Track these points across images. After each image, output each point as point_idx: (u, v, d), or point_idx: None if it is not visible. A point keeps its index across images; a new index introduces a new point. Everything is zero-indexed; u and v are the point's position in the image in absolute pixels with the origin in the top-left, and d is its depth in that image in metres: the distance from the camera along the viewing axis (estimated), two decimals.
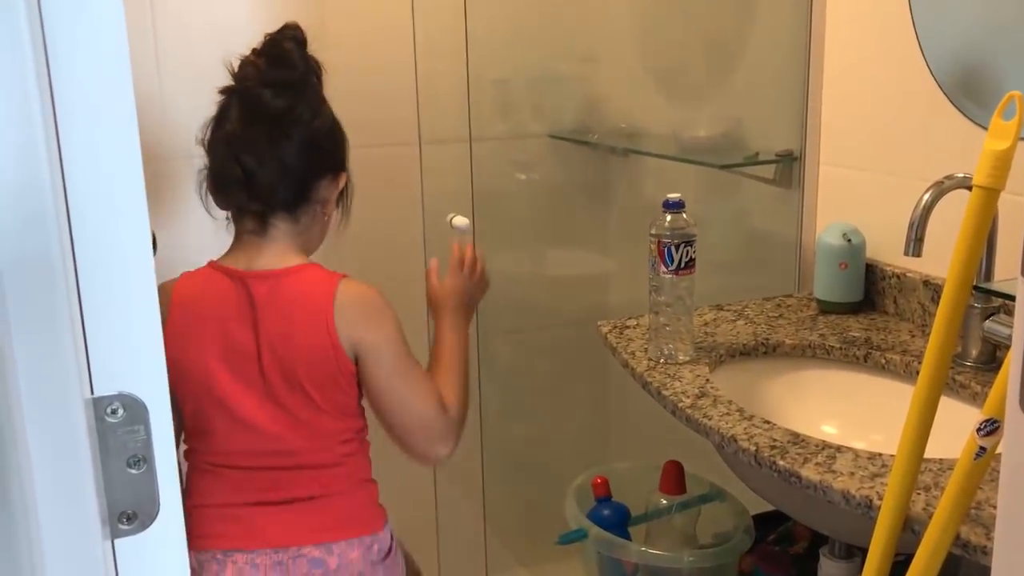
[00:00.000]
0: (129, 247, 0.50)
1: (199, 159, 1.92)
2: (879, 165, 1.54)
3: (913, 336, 1.42)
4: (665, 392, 1.25)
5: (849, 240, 1.51)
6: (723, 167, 1.78)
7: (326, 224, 1.37)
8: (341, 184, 1.37)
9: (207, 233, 1.96)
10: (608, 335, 1.49)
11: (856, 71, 1.57)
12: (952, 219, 0.96)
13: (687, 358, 1.36)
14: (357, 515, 1.35)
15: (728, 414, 1.17)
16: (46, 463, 0.45)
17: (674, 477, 1.52)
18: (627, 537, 1.51)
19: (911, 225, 1.18)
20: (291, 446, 1.28)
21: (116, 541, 0.51)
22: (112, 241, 0.49)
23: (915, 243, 1.19)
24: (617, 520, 1.53)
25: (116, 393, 0.49)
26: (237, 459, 1.29)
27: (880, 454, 1.05)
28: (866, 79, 1.54)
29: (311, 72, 1.34)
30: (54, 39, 0.43)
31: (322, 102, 1.36)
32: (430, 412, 1.30)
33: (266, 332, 1.25)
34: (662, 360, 1.36)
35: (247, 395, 1.26)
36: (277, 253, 1.30)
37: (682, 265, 1.33)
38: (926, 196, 1.18)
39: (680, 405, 1.21)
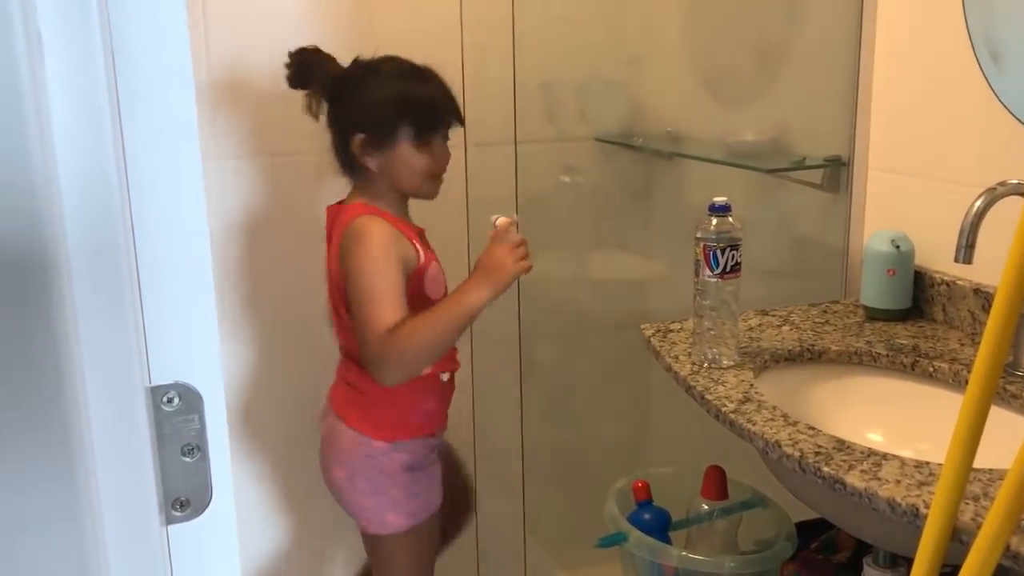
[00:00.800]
0: (188, 240, 0.51)
1: (247, 159, 1.95)
2: (929, 170, 1.52)
3: (962, 345, 1.40)
4: (709, 397, 1.25)
5: (898, 247, 1.50)
6: (770, 172, 1.77)
7: (384, 168, 1.57)
8: (358, 142, 1.56)
9: (260, 230, 1.99)
10: (651, 338, 1.48)
11: (907, 74, 1.55)
12: (1005, 226, 0.95)
13: (731, 363, 1.35)
14: (360, 413, 1.61)
15: (772, 419, 1.16)
16: (108, 450, 0.46)
17: (716, 482, 1.51)
18: (667, 542, 1.51)
19: (962, 232, 1.16)
20: (341, 343, 1.66)
21: (169, 527, 0.52)
22: (171, 234, 0.51)
23: (966, 250, 1.17)
24: (658, 524, 1.52)
25: (172, 382, 0.51)
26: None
27: (927, 463, 1.03)
28: (917, 82, 1.53)
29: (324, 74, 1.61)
30: (122, 42, 0.44)
31: (342, 90, 1.60)
32: (367, 336, 1.46)
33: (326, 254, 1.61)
34: (706, 364, 1.35)
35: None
36: (349, 194, 1.63)
37: (727, 269, 1.33)
38: (978, 202, 1.16)
39: (724, 410, 1.20)
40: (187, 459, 0.52)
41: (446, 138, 1.61)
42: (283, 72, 1.73)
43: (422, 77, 1.59)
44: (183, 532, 0.52)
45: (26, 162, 0.39)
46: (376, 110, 1.56)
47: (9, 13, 0.36)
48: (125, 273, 0.47)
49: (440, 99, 1.58)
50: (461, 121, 1.62)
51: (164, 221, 0.50)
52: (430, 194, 1.62)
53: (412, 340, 1.45)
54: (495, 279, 1.50)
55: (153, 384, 0.50)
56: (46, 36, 0.39)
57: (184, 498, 0.52)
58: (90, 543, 0.44)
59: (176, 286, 0.51)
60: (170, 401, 0.51)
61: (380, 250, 1.48)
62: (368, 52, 1.80)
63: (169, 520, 0.52)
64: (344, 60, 1.94)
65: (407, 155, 1.55)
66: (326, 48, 1.88)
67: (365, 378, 1.54)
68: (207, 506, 0.53)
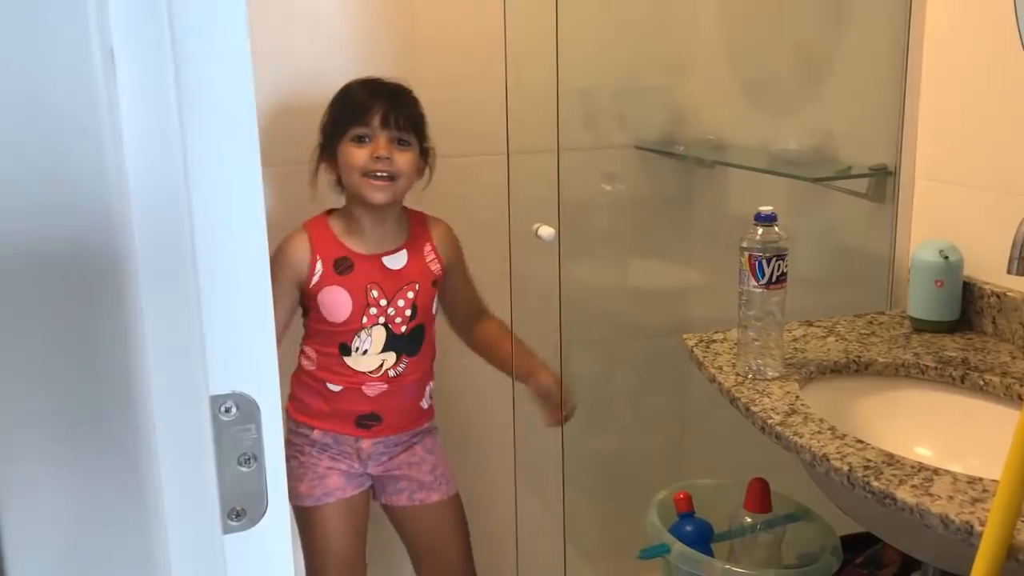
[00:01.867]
0: (245, 250, 0.52)
1: (287, 166, 1.97)
2: (979, 180, 1.50)
3: (1014, 358, 1.37)
4: (754, 408, 1.24)
5: (946, 257, 1.47)
6: (815, 181, 1.75)
7: (339, 175, 1.72)
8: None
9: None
10: (694, 349, 1.47)
11: (955, 81, 1.53)
12: None
13: (776, 374, 1.34)
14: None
15: (819, 432, 1.15)
16: (172, 458, 0.46)
17: (759, 495, 1.49)
18: (710, 554, 1.49)
19: (1015, 243, 1.14)
20: None
21: (225, 537, 0.53)
22: (230, 244, 0.51)
23: (1018, 261, 1.15)
24: (700, 536, 1.51)
25: (230, 392, 0.51)
26: None
27: (980, 478, 1.01)
28: (966, 90, 1.50)
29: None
30: (185, 51, 0.45)
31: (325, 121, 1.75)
32: None
33: None
34: (750, 375, 1.34)
35: None
36: None
37: (773, 279, 1.31)
38: None
39: (770, 422, 1.19)
40: (244, 468, 0.52)
41: (375, 134, 1.66)
42: (328, 80, 1.79)
43: (365, 83, 1.72)
44: (238, 542, 0.53)
45: (101, 171, 0.39)
46: (322, 121, 1.73)
47: (87, 31, 0.36)
48: (189, 281, 0.47)
49: (362, 94, 1.69)
50: (387, 122, 1.66)
51: (223, 231, 0.50)
52: (363, 194, 1.67)
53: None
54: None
55: (212, 394, 0.50)
56: (119, 52, 0.40)
57: (240, 507, 0.52)
58: (155, 550, 0.44)
59: (234, 295, 0.52)
60: (228, 411, 0.51)
61: (272, 259, 1.59)
62: (411, 64, 1.83)
63: (225, 529, 0.52)
64: (384, 69, 1.95)
65: (342, 154, 1.67)
66: (368, 57, 1.90)
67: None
68: (263, 516, 0.53)
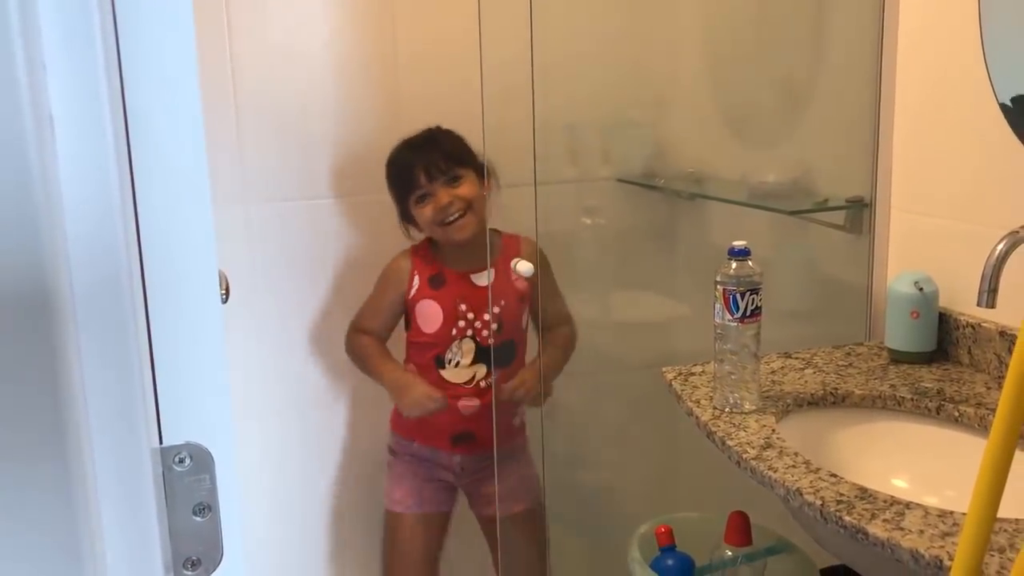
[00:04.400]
0: (199, 299, 0.52)
1: (278, 203, 1.99)
2: (952, 212, 1.51)
3: (989, 388, 1.38)
4: (730, 442, 1.24)
5: (921, 288, 1.48)
6: (792, 213, 1.77)
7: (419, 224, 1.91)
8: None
9: (286, 274, 2.01)
10: (673, 382, 1.48)
11: (928, 116, 1.55)
12: None
13: (753, 407, 1.34)
14: None
15: (794, 466, 1.15)
16: (114, 511, 0.47)
17: (740, 528, 1.49)
18: None
19: (984, 276, 1.15)
20: None
21: None
22: (181, 292, 0.51)
23: (988, 294, 1.16)
24: (681, 570, 1.50)
25: (184, 443, 0.51)
26: None
27: (952, 512, 1.02)
28: (939, 124, 1.52)
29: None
30: (134, 101, 0.45)
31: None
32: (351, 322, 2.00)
33: None
34: (727, 409, 1.34)
35: None
36: None
37: (748, 313, 1.32)
38: (1000, 246, 1.15)
39: (745, 456, 1.19)
40: (198, 518, 0.52)
41: (430, 189, 1.81)
42: (310, 114, 1.89)
43: (401, 147, 1.87)
44: None
45: (33, 228, 0.40)
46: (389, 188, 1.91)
47: (19, 96, 0.37)
48: (133, 334, 0.47)
49: (401, 159, 1.85)
50: (431, 174, 1.81)
51: (176, 281, 0.51)
52: (449, 238, 1.83)
53: (350, 348, 1.96)
54: (395, 390, 1.88)
55: (164, 444, 0.51)
56: (57, 115, 0.41)
57: (195, 557, 0.53)
58: None
59: (187, 345, 0.52)
60: (181, 461, 0.51)
61: (381, 276, 1.93)
62: (393, 104, 1.91)
63: None
64: (365, 110, 1.99)
65: (416, 217, 1.85)
66: (349, 88, 1.95)
67: None
68: (218, 564, 0.53)
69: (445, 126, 1.92)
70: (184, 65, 0.48)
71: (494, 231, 1.89)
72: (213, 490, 0.52)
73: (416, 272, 1.88)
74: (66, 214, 0.42)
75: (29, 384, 0.41)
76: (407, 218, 1.88)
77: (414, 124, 1.95)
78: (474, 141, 1.91)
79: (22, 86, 0.37)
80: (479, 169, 1.85)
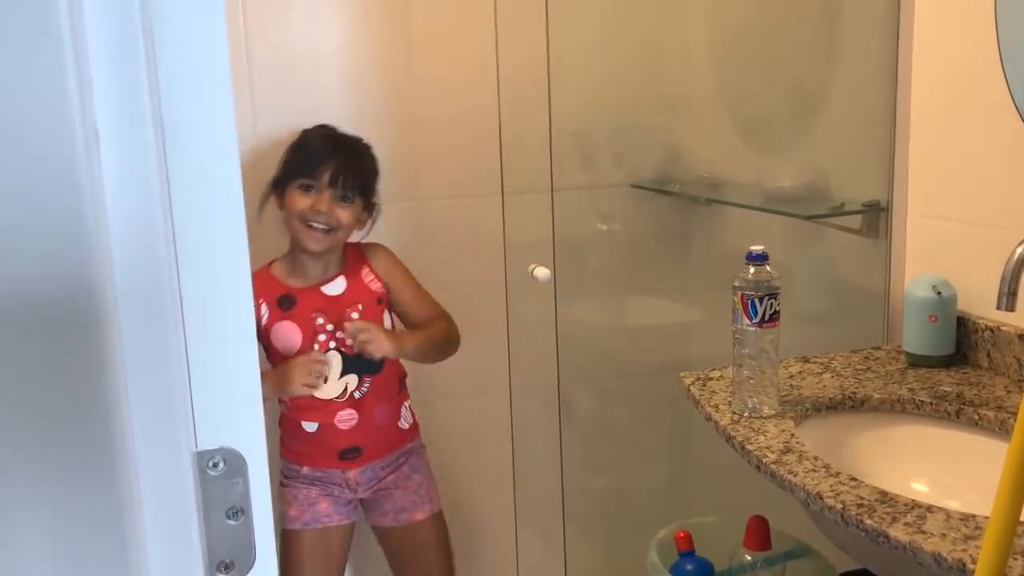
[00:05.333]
0: (231, 306, 0.53)
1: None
2: (970, 215, 1.51)
3: (1008, 391, 1.38)
4: (749, 447, 1.24)
5: (939, 292, 1.48)
6: (808, 218, 1.77)
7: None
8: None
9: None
10: (691, 387, 1.48)
11: (945, 119, 1.55)
12: None
13: (772, 412, 1.34)
14: None
15: (814, 470, 1.15)
16: (157, 515, 0.47)
17: (759, 532, 1.49)
18: None
19: (1003, 279, 1.15)
20: None
21: None
22: (215, 300, 0.52)
23: (1007, 297, 1.16)
24: (700, 575, 1.50)
25: (218, 447, 0.52)
26: None
27: (974, 515, 1.02)
28: (955, 127, 1.52)
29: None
30: (171, 116, 0.46)
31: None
32: None
33: None
34: (746, 414, 1.34)
35: None
36: None
37: (766, 318, 1.32)
38: (1020, 248, 1.15)
39: (764, 460, 1.20)
40: (232, 522, 0.53)
41: (320, 189, 1.73)
42: (326, 120, 1.84)
43: (325, 135, 1.80)
44: None
45: (83, 239, 0.41)
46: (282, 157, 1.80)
47: (71, 112, 0.38)
48: (174, 341, 0.48)
49: (319, 147, 1.76)
50: (335, 180, 1.73)
51: (210, 290, 0.51)
52: (300, 239, 1.75)
53: None
54: (278, 385, 1.75)
55: (199, 449, 0.51)
56: (102, 130, 0.41)
57: (228, 560, 0.53)
58: None
59: (221, 350, 0.53)
60: (215, 466, 0.52)
61: None
62: (408, 108, 1.87)
63: None
64: (381, 112, 1.99)
65: (288, 196, 1.75)
66: (364, 101, 1.94)
67: None
68: (251, 568, 0.54)
69: (457, 136, 1.92)
70: (217, 77, 0.49)
71: None
72: (246, 494, 0.53)
73: (260, 299, 1.78)
74: (111, 224, 0.43)
75: (78, 389, 0.42)
76: (275, 189, 1.78)
77: (429, 130, 1.96)
78: (490, 148, 1.92)
79: (73, 103, 0.38)
80: (369, 206, 1.81)
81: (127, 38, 0.42)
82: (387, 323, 1.84)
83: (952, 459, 1.33)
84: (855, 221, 1.72)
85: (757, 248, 1.34)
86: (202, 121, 0.49)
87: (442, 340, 1.86)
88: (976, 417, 1.32)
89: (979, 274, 1.48)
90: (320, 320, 1.77)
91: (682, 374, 1.53)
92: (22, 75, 0.38)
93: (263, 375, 1.77)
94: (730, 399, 1.39)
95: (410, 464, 1.86)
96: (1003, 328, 1.44)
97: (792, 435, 1.27)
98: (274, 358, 1.80)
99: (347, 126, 2.00)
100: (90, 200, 0.40)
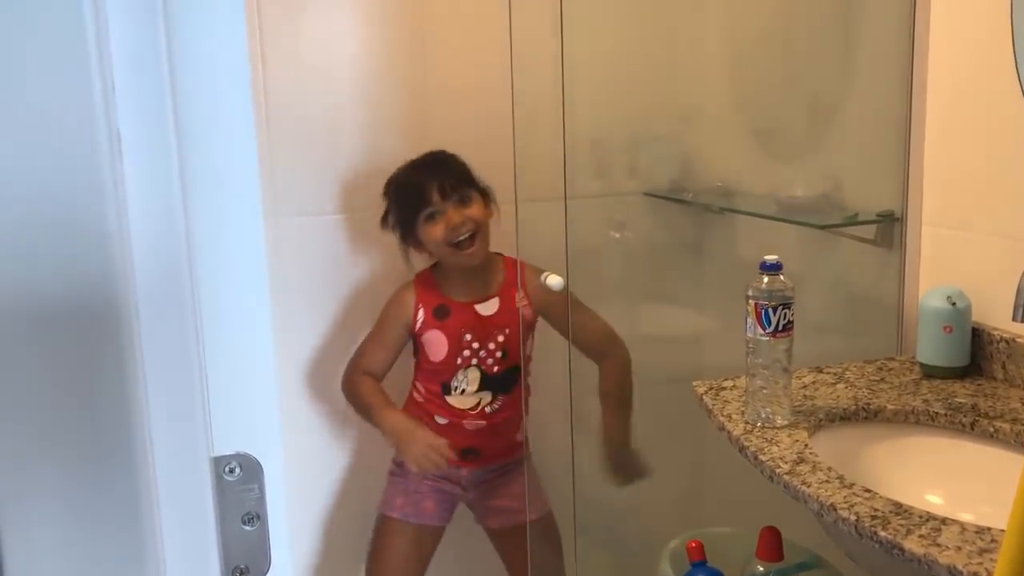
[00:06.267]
0: (249, 311, 0.53)
1: (307, 217, 2.01)
2: (985, 226, 1.51)
3: None
4: (762, 457, 1.24)
5: (954, 303, 1.48)
6: (823, 228, 1.76)
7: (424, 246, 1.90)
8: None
9: (317, 288, 2.03)
10: (704, 396, 1.48)
11: (960, 128, 1.54)
12: None
13: (785, 422, 1.34)
14: None
15: (827, 481, 1.15)
16: (174, 519, 0.48)
17: (771, 543, 1.48)
18: None
19: (1019, 290, 1.15)
20: None
21: None
22: (233, 307, 0.52)
23: (1023, 309, 1.15)
24: None
25: (234, 453, 0.52)
26: None
27: (989, 528, 1.01)
28: (970, 137, 1.52)
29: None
30: (188, 120, 0.47)
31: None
32: (350, 360, 1.99)
33: None
34: (759, 424, 1.34)
35: None
36: None
37: (780, 327, 1.32)
38: None
39: (778, 471, 1.19)
40: (247, 528, 0.53)
41: (441, 208, 1.81)
42: (340, 133, 1.89)
43: (408, 169, 1.87)
44: None
45: (104, 243, 0.41)
46: (390, 208, 1.90)
47: (94, 116, 0.38)
48: (192, 347, 0.49)
49: (413, 178, 1.83)
50: (444, 192, 1.81)
51: (227, 296, 0.52)
52: (457, 261, 1.84)
53: (350, 390, 1.94)
54: (400, 440, 1.85)
55: (216, 455, 0.51)
56: (124, 133, 0.42)
57: (244, 566, 0.53)
58: None
59: (238, 357, 0.53)
60: (232, 471, 0.52)
61: (384, 309, 1.92)
62: (421, 116, 1.90)
63: None
64: (395, 120, 2.00)
65: (423, 235, 1.84)
66: (379, 109, 1.95)
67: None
68: (265, 574, 0.54)
69: (471, 144, 1.93)
70: (238, 84, 0.50)
71: (497, 255, 1.91)
72: (262, 500, 0.53)
73: (420, 304, 1.89)
74: (132, 229, 0.43)
75: (96, 394, 0.43)
76: (409, 240, 1.87)
77: (443, 139, 1.96)
78: (503, 156, 1.91)
79: (98, 107, 0.38)
80: (483, 192, 1.86)
81: (149, 44, 0.42)
82: (528, 346, 1.93)
83: (967, 471, 1.32)
84: (869, 231, 1.72)
85: (771, 258, 1.34)
86: (222, 126, 0.49)
87: (625, 380, 1.94)
88: (991, 429, 1.31)
89: (994, 285, 1.47)
90: (468, 336, 1.86)
91: (695, 383, 1.53)
92: (47, 81, 0.38)
93: (389, 414, 1.86)
94: (743, 409, 1.39)
95: (519, 470, 1.94)
96: (1019, 340, 1.43)
97: (805, 445, 1.26)
98: (420, 357, 1.91)
99: (361, 132, 2.01)
100: (113, 204, 0.40)
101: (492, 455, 1.91)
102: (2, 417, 0.42)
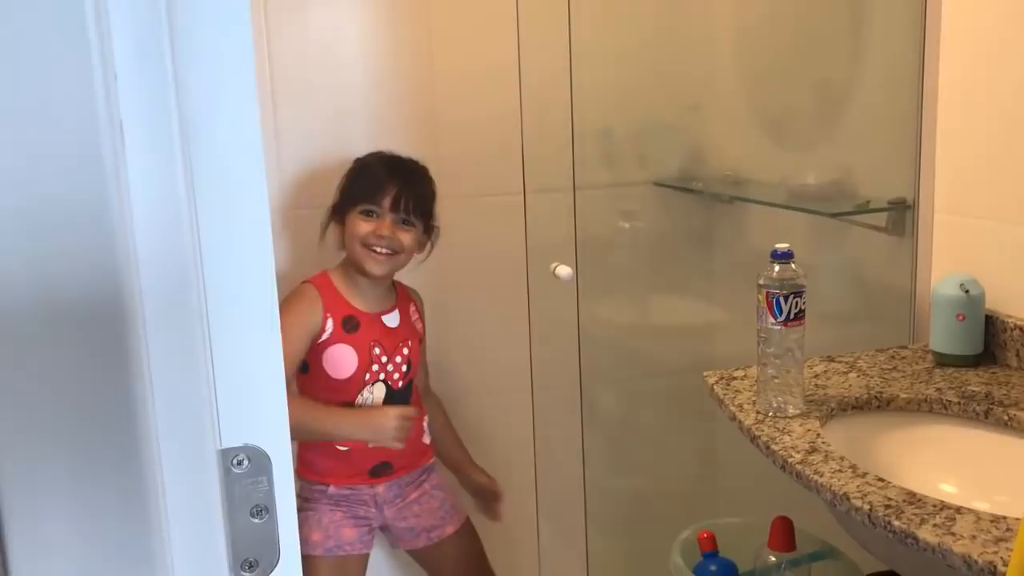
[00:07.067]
0: (255, 302, 0.53)
1: (309, 210, 2.00)
2: (998, 213, 1.49)
3: None
4: (774, 447, 1.23)
5: (967, 291, 1.46)
6: (834, 216, 1.75)
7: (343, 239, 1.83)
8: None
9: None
10: (715, 386, 1.47)
11: (972, 115, 1.53)
12: None
13: (797, 411, 1.33)
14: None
15: (840, 471, 1.14)
16: (182, 513, 0.47)
17: (783, 533, 1.48)
18: None
19: None
20: None
21: None
22: (240, 298, 0.52)
23: None
24: None
25: (242, 445, 0.52)
26: None
27: (1004, 517, 1.00)
28: (982, 123, 1.50)
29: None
30: (195, 119, 0.46)
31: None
32: None
33: None
34: (771, 413, 1.33)
35: None
36: None
37: (791, 316, 1.31)
38: None
39: (790, 461, 1.18)
40: (256, 520, 0.53)
41: (382, 214, 1.75)
42: (348, 125, 1.86)
43: (384, 160, 1.81)
44: None
45: (108, 233, 0.41)
46: (344, 179, 1.82)
47: (95, 105, 0.38)
48: (199, 339, 0.48)
49: (379, 172, 1.77)
50: (396, 204, 1.75)
51: (234, 288, 0.51)
52: (362, 264, 1.77)
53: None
54: (369, 432, 1.74)
55: (224, 447, 0.51)
56: (127, 122, 0.41)
57: (252, 559, 0.53)
58: None
59: (245, 348, 0.53)
60: (240, 463, 0.52)
61: (284, 312, 1.67)
62: (430, 106, 1.88)
63: None
64: (403, 112, 1.99)
65: (349, 222, 1.77)
66: (386, 101, 1.94)
67: None
68: (275, 566, 0.54)
69: (479, 134, 1.93)
70: (242, 73, 0.49)
71: None
72: (270, 492, 0.53)
73: (328, 313, 1.76)
74: (136, 219, 0.43)
75: (102, 386, 0.42)
76: (335, 216, 1.81)
77: (451, 130, 1.96)
78: (512, 146, 1.91)
79: (99, 95, 0.38)
80: (428, 230, 1.82)
81: (152, 31, 0.42)
82: (422, 360, 1.91)
83: (981, 460, 1.32)
84: (881, 219, 1.71)
85: (782, 246, 1.33)
86: (227, 118, 0.48)
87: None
88: (1006, 417, 1.30)
89: (1007, 272, 1.46)
90: (377, 351, 1.79)
91: (705, 373, 1.52)
92: (45, 69, 0.38)
93: (336, 412, 1.74)
94: (754, 398, 1.38)
95: (430, 481, 1.90)
96: None
97: (818, 435, 1.26)
98: (311, 376, 1.77)
99: (369, 123, 2.00)
100: (116, 194, 0.40)
101: (404, 464, 1.84)
102: (6, 412, 0.42)
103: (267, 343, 0.53)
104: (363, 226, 1.74)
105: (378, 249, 1.74)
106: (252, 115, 0.48)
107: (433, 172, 1.87)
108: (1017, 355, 1.45)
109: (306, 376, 1.78)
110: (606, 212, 2.06)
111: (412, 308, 1.88)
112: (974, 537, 0.96)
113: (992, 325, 1.49)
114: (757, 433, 1.28)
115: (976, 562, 0.92)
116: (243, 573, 0.53)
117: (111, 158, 0.40)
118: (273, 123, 1.92)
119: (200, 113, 0.46)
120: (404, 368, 1.82)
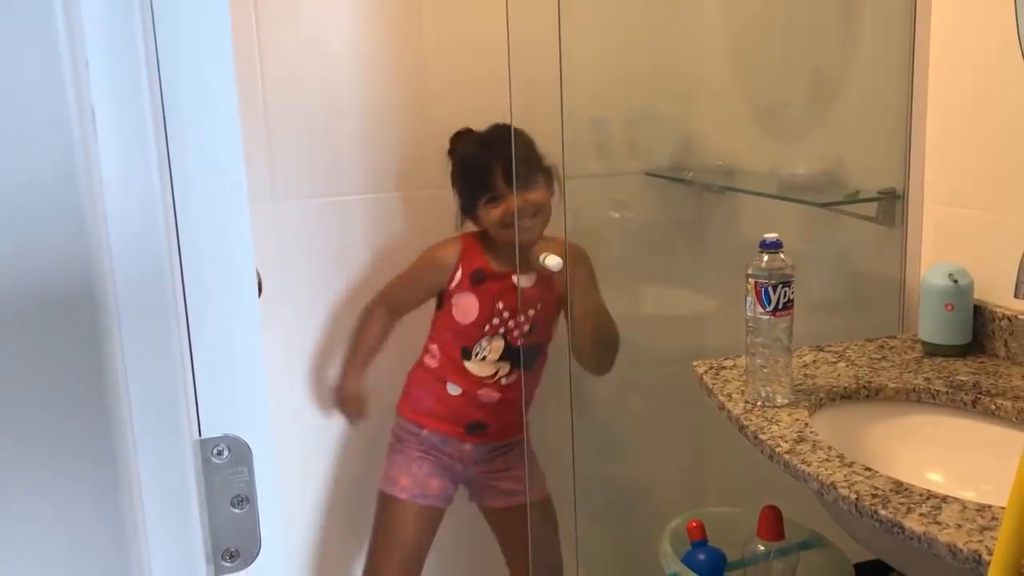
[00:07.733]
0: (235, 291, 0.52)
1: (305, 200, 1.99)
2: (987, 203, 1.49)
3: None
4: (762, 436, 1.23)
5: (955, 281, 1.47)
6: (823, 205, 1.75)
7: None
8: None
9: (316, 271, 2.02)
10: (703, 376, 1.47)
11: (962, 105, 1.53)
12: None
13: (785, 401, 1.33)
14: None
15: (827, 460, 1.14)
16: (158, 503, 0.47)
17: (772, 522, 1.48)
18: None
19: (1021, 267, 1.14)
20: None
21: None
22: (219, 286, 0.52)
23: None
24: (713, 565, 1.50)
25: (222, 435, 0.51)
26: None
27: (990, 506, 1.00)
28: (973, 113, 1.50)
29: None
30: (172, 100, 0.46)
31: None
32: None
33: None
34: (759, 403, 1.33)
35: None
36: None
37: (780, 306, 1.31)
38: None
39: (778, 450, 1.19)
40: (236, 510, 0.53)
41: (503, 192, 1.81)
42: (339, 114, 1.89)
43: (477, 144, 1.87)
44: None
45: (79, 218, 0.40)
46: (454, 178, 1.92)
47: (63, 88, 0.37)
48: (174, 328, 0.48)
49: (478, 159, 1.84)
50: (508, 177, 1.79)
51: (214, 276, 0.51)
52: (511, 239, 1.81)
53: (363, 318, 1.99)
54: (336, 393, 2.01)
55: (203, 437, 0.51)
56: (99, 109, 0.41)
57: (234, 549, 0.53)
58: None
59: (225, 338, 0.53)
60: (220, 454, 0.52)
61: (425, 255, 1.94)
62: (420, 96, 1.89)
63: (219, 571, 0.53)
64: (393, 96, 1.99)
65: (481, 215, 1.86)
66: (375, 84, 1.95)
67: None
68: (256, 556, 0.54)
69: (470, 124, 1.92)
70: (220, 63, 0.49)
71: (553, 238, 1.89)
72: (251, 482, 0.53)
73: (460, 265, 1.89)
74: (108, 207, 0.42)
75: (75, 378, 0.42)
76: (467, 214, 1.89)
77: (441, 119, 1.95)
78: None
79: (67, 82, 0.37)
80: (547, 173, 1.86)
81: (124, 15, 0.41)
82: (555, 326, 1.95)
83: (968, 449, 1.32)
84: (871, 209, 1.71)
85: (771, 236, 1.33)
86: (203, 101, 0.48)
87: (596, 328, 1.90)
88: (993, 407, 1.30)
89: (996, 262, 1.46)
90: (500, 305, 1.87)
91: (694, 363, 1.52)
92: (11, 58, 0.37)
93: (357, 361, 1.96)
94: (743, 388, 1.38)
95: (518, 451, 1.95)
96: (1021, 317, 1.42)
97: (806, 424, 1.26)
98: (444, 314, 1.90)
99: (359, 114, 2.00)
100: (86, 183, 0.39)
101: (497, 431, 1.91)
102: None
103: (247, 333, 0.53)
104: (494, 213, 1.83)
105: (519, 223, 1.79)
106: (230, 100, 0.48)
107: (424, 164, 1.88)
108: (1005, 345, 1.45)
109: (440, 312, 1.93)
110: (597, 202, 2.05)
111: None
112: (960, 526, 0.96)
113: (981, 315, 1.49)
114: (745, 423, 1.28)
115: (961, 551, 0.92)
116: (223, 563, 0.53)
117: (81, 145, 0.39)
118: (264, 116, 1.91)
119: (176, 98, 0.46)
120: (527, 328, 1.88)
